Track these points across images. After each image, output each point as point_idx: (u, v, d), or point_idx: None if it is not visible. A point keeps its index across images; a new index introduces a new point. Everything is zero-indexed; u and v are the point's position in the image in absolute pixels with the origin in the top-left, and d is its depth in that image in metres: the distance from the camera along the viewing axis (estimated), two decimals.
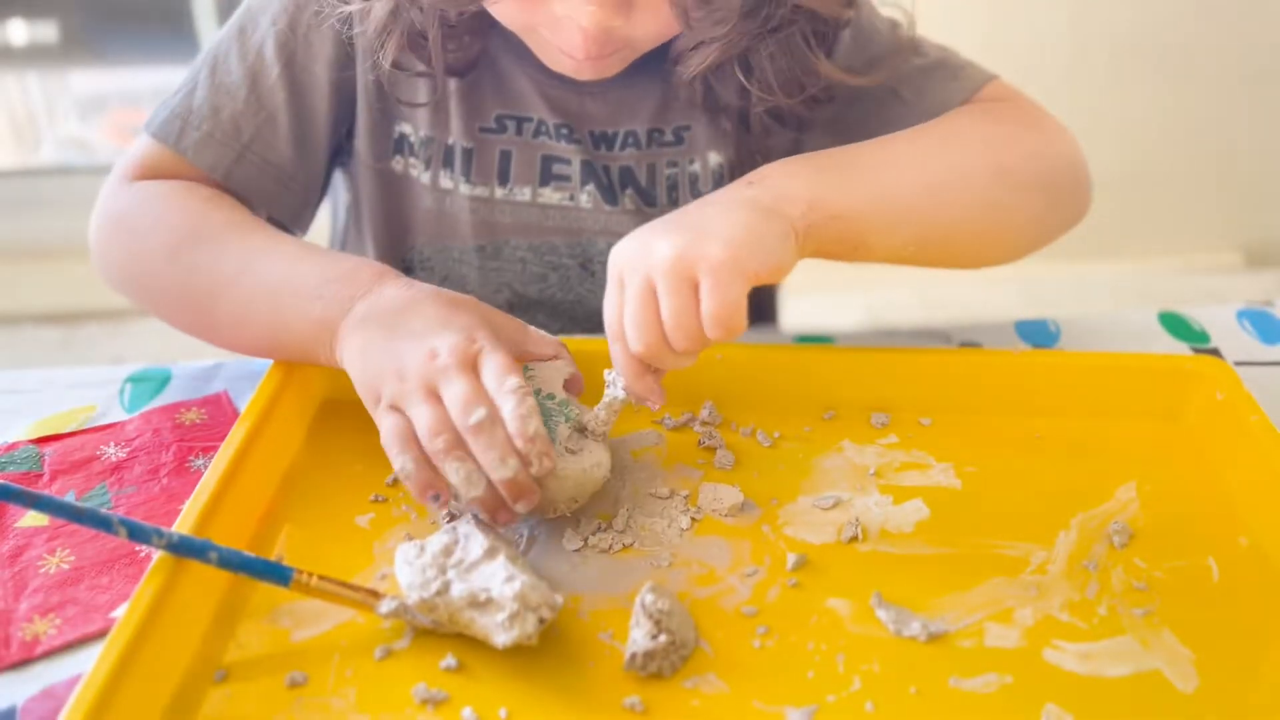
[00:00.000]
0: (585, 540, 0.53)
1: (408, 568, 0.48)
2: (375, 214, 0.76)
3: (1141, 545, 0.54)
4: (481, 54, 0.69)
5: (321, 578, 0.48)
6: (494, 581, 0.47)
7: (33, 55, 2.13)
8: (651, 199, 0.73)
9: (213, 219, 0.64)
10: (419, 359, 0.52)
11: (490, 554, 0.49)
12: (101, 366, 0.69)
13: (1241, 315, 0.75)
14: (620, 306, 0.53)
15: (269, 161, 0.68)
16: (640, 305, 0.51)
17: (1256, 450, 0.56)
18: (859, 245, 0.59)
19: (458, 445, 0.50)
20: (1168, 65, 1.91)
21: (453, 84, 0.70)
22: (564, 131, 0.71)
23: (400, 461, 0.51)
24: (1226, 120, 1.97)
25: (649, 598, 0.47)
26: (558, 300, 0.77)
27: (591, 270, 0.76)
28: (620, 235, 0.69)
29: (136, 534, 0.48)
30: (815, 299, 2.00)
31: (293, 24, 0.68)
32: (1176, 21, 1.88)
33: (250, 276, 0.60)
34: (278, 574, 0.48)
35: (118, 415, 0.64)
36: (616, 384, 0.55)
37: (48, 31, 2.07)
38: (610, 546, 0.53)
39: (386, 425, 0.52)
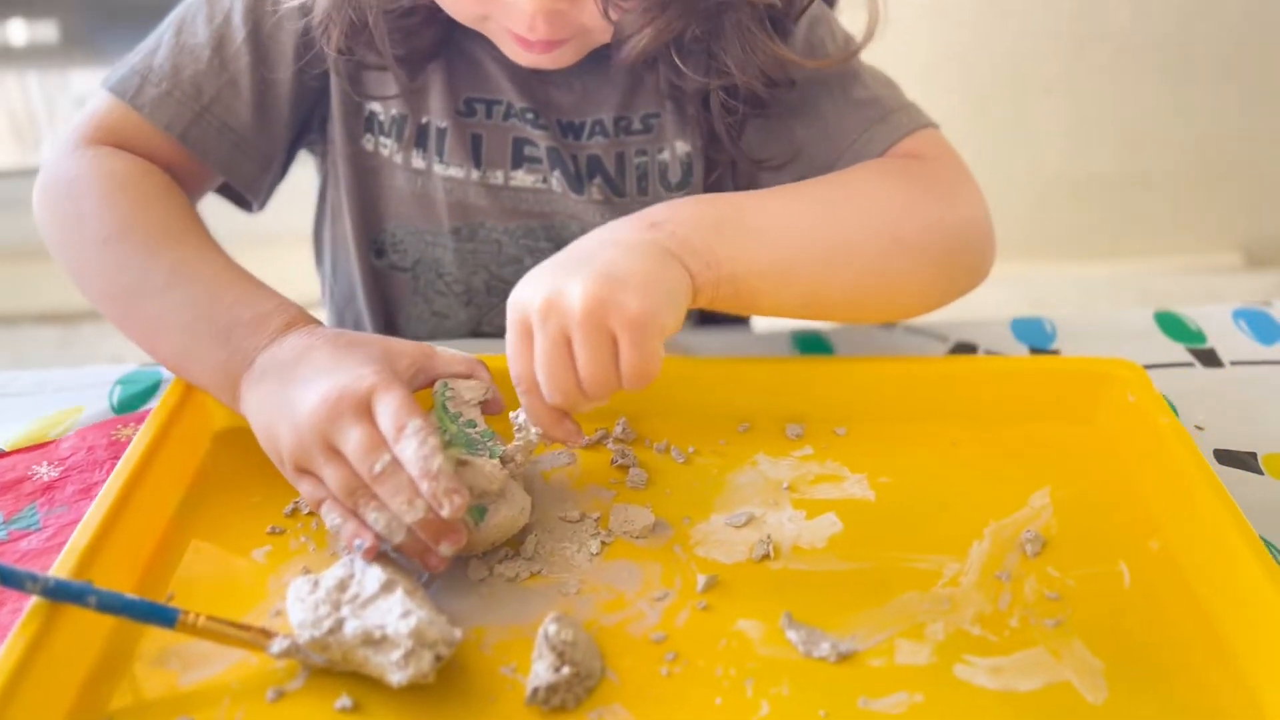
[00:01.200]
0: (491, 569, 0.52)
1: (299, 605, 0.46)
2: (349, 196, 0.75)
3: (1054, 553, 0.53)
4: (443, 43, 0.69)
5: (209, 618, 0.46)
6: (389, 618, 0.45)
7: (33, 55, 2.10)
8: (619, 189, 0.72)
9: (153, 217, 0.62)
10: (310, 409, 0.50)
11: (387, 588, 0.47)
12: (99, 366, 0.69)
13: (1238, 315, 0.75)
14: (527, 356, 0.51)
15: (228, 125, 0.67)
16: (554, 356, 0.50)
17: (1167, 453, 0.56)
18: (749, 305, 0.59)
19: (371, 495, 0.49)
20: (1168, 65, 1.90)
21: (429, 65, 0.70)
22: (530, 116, 0.71)
23: (330, 521, 0.50)
24: (1226, 120, 1.96)
25: (551, 629, 0.45)
26: None
27: None
28: (589, 223, 0.72)
29: (8, 579, 0.45)
30: None
31: None
32: (1176, 21, 1.87)
33: (171, 294, 0.59)
34: (162, 616, 0.46)
35: (105, 417, 0.64)
36: (529, 428, 0.54)
37: (48, 31, 2.04)
38: (517, 575, 0.52)
39: (304, 490, 0.52)
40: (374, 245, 0.76)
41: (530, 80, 0.71)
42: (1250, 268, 2.10)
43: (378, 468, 0.48)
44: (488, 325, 0.78)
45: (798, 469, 0.59)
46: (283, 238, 1.20)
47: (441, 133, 0.71)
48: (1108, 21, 1.86)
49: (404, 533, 0.48)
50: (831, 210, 0.61)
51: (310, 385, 0.51)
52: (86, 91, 2.21)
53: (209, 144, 0.67)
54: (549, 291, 0.50)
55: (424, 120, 0.72)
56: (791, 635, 0.48)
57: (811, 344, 0.71)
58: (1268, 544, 0.55)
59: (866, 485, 0.58)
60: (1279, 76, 1.94)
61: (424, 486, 0.47)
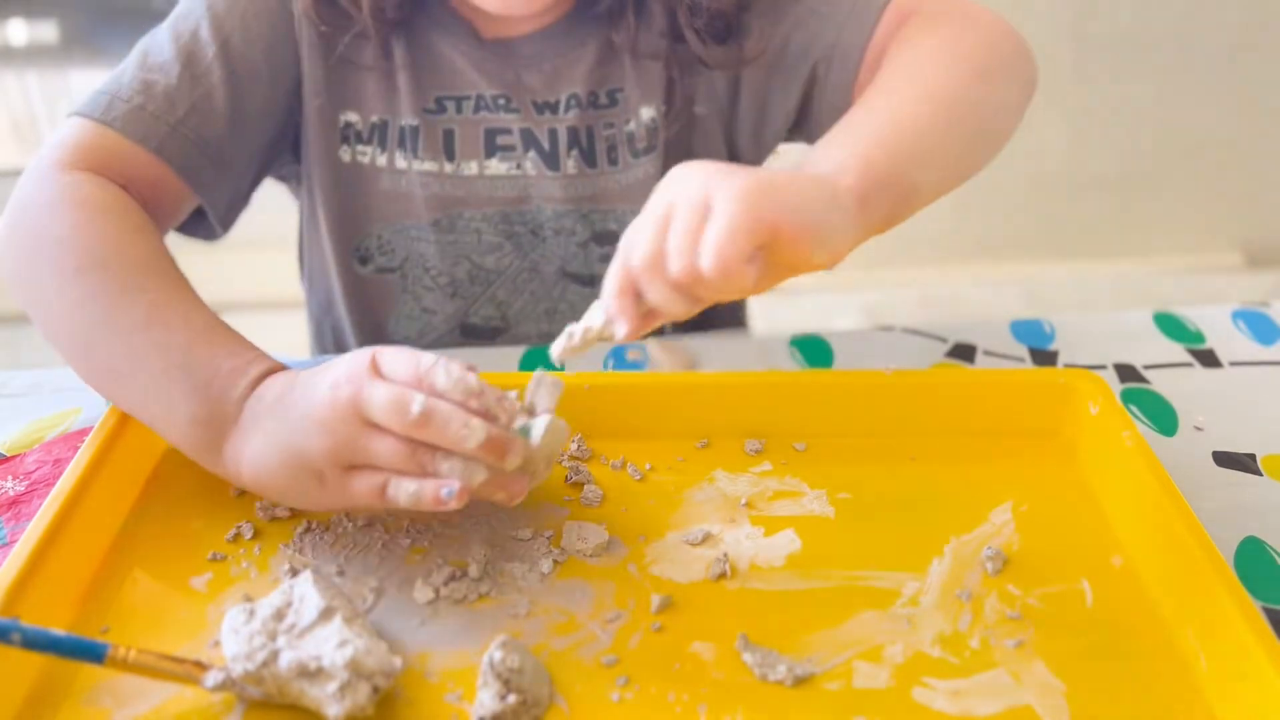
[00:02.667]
0: (437, 591, 0.50)
1: (234, 636, 0.45)
2: (327, 209, 0.75)
3: (1016, 570, 0.52)
4: (410, 14, 0.69)
5: (141, 651, 0.44)
6: (326, 647, 0.43)
7: (32, 55, 2.07)
8: (592, 160, 0.74)
9: (129, 253, 0.58)
10: (326, 402, 0.48)
11: (325, 616, 0.45)
12: None
13: (1237, 316, 0.75)
14: (661, 232, 0.45)
15: (204, 139, 0.65)
16: (685, 220, 0.45)
17: (1129, 467, 0.55)
18: (908, 195, 0.54)
19: (430, 448, 0.47)
20: (1168, 65, 1.91)
21: (398, 65, 0.71)
22: (502, 103, 0.72)
23: (404, 495, 0.47)
24: (1226, 120, 1.97)
25: (497, 655, 0.44)
26: (515, 270, 0.78)
27: (542, 236, 0.77)
28: (562, 202, 0.73)
29: None
30: (814, 299, 1.99)
31: (229, 7, 0.67)
32: (1177, 21, 1.87)
33: (143, 337, 0.54)
34: (90, 652, 0.44)
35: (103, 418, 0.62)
36: (586, 321, 0.49)
37: (48, 31, 2.01)
38: (465, 597, 0.50)
39: (361, 488, 0.48)
40: (357, 253, 0.77)
41: (500, 66, 0.72)
42: (1250, 268, 2.11)
43: (415, 409, 0.46)
44: (474, 316, 0.80)
45: (756, 485, 0.58)
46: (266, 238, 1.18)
47: (414, 130, 0.72)
48: (1108, 21, 1.87)
49: (482, 469, 0.47)
50: (922, 82, 0.60)
51: (312, 393, 0.49)
52: (86, 91, 2.18)
53: (187, 159, 0.65)
54: (694, 173, 0.46)
55: (401, 123, 0.73)
56: (747, 658, 0.47)
57: (810, 346, 0.71)
58: (1268, 547, 0.55)
59: (826, 501, 0.57)
60: (1279, 76, 1.95)
61: (472, 404, 0.47)
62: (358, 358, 0.49)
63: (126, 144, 0.63)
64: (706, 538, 0.54)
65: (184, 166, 0.65)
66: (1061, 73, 1.89)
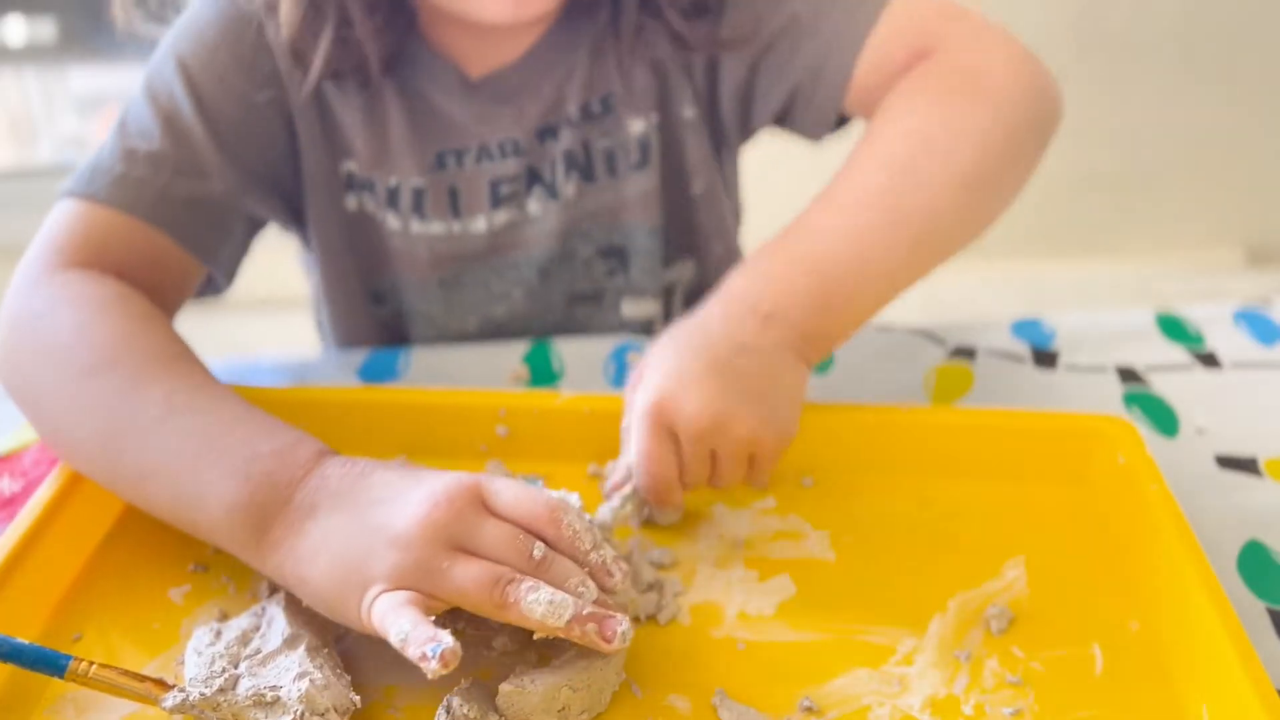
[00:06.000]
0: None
1: (196, 658, 0.44)
2: (342, 256, 0.74)
3: (1022, 630, 0.49)
4: (393, 57, 0.67)
5: (102, 666, 0.44)
6: (285, 677, 0.42)
7: (31, 53, 2.10)
8: (591, 174, 0.72)
9: (140, 344, 0.53)
10: (418, 518, 0.44)
11: (290, 643, 0.44)
12: None
13: (1239, 316, 0.73)
14: (672, 460, 0.53)
15: (195, 199, 0.61)
16: (701, 467, 0.54)
17: (1154, 524, 0.52)
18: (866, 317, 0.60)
19: (522, 579, 0.43)
20: (1169, 64, 1.91)
21: (391, 125, 0.68)
22: (509, 147, 0.70)
23: (541, 607, 0.43)
24: (1227, 119, 1.96)
25: (455, 702, 0.42)
26: (524, 315, 0.77)
27: (547, 271, 0.75)
28: (566, 226, 0.72)
29: None
30: None
31: (199, 58, 0.63)
32: (1177, 21, 1.87)
33: (169, 426, 0.50)
34: (51, 663, 0.43)
35: None
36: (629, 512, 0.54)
37: (46, 29, 2.04)
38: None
39: (407, 619, 0.42)
40: (373, 296, 0.77)
41: (499, 107, 0.69)
42: (1251, 266, 2.09)
43: (537, 554, 0.44)
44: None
45: (757, 523, 0.56)
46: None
47: (419, 193, 0.71)
48: (1109, 20, 1.86)
49: (571, 609, 0.43)
50: (895, 195, 0.58)
51: (399, 501, 0.45)
52: (85, 90, 2.23)
53: (180, 220, 0.61)
54: (703, 408, 0.52)
55: (393, 182, 0.70)
56: (724, 715, 0.45)
57: None
58: (1271, 551, 0.54)
59: (828, 544, 0.54)
60: (1279, 76, 1.93)
61: (593, 558, 0.46)
62: (460, 480, 0.46)
63: (118, 217, 0.59)
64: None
65: (178, 231, 0.60)
66: (1061, 73, 1.86)
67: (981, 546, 0.54)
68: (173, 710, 0.43)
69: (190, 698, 0.42)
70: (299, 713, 0.41)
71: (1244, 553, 0.54)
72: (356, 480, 0.47)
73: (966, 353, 0.70)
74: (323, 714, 0.41)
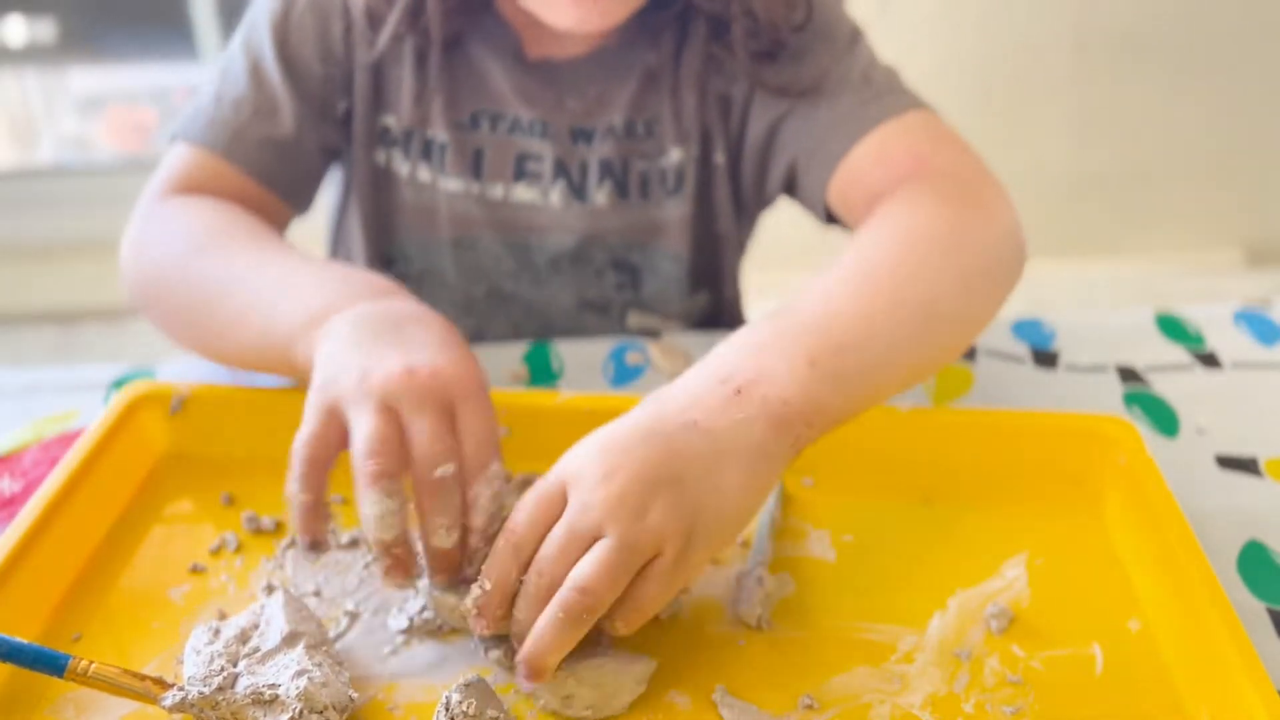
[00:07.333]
0: (412, 620, 0.49)
1: (195, 656, 0.44)
2: (362, 210, 0.76)
3: (1022, 629, 0.49)
4: (462, 33, 0.71)
5: (101, 665, 0.44)
6: (284, 675, 0.42)
7: (31, 54, 2.12)
8: (625, 191, 0.74)
9: (219, 228, 0.63)
10: (392, 366, 0.47)
11: (289, 641, 0.44)
12: (94, 365, 0.69)
13: (1239, 317, 0.73)
14: (542, 524, 0.45)
15: (270, 139, 0.69)
16: (576, 551, 0.44)
17: (1155, 524, 0.51)
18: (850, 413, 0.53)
19: (391, 476, 0.45)
20: (1169, 64, 1.91)
21: (433, 76, 0.71)
22: (539, 128, 0.72)
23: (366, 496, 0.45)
24: (1227, 119, 1.98)
25: (455, 696, 0.42)
26: (529, 298, 0.78)
27: (560, 268, 0.76)
28: (583, 236, 0.74)
29: None
30: None
31: (287, 10, 0.70)
32: (1178, 21, 1.88)
33: (256, 275, 0.58)
34: (50, 662, 0.43)
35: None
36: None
37: (46, 30, 2.05)
38: (440, 628, 0.49)
39: (313, 424, 0.47)
40: (385, 258, 0.78)
41: (542, 89, 0.72)
42: (1251, 265, 2.10)
43: (438, 474, 0.45)
44: (488, 334, 0.79)
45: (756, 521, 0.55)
46: None
47: (444, 146, 0.72)
48: (1110, 20, 1.87)
49: (395, 532, 0.45)
50: (892, 272, 0.55)
51: (406, 348, 0.48)
52: (86, 90, 2.24)
53: (252, 156, 0.68)
54: (630, 504, 0.43)
55: (429, 135, 0.73)
56: (725, 712, 0.45)
57: None
58: (1271, 551, 0.54)
59: (828, 543, 0.54)
60: (1279, 76, 1.94)
61: (473, 539, 0.46)
62: (461, 375, 0.48)
63: (207, 156, 0.67)
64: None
65: (252, 163, 0.68)
66: (1061, 72, 1.91)
67: (983, 545, 0.54)
68: (172, 709, 0.43)
69: (189, 696, 0.42)
70: (297, 710, 0.41)
71: (1244, 553, 0.54)
72: (408, 317, 0.52)
73: (966, 353, 0.70)
74: (321, 711, 0.41)
